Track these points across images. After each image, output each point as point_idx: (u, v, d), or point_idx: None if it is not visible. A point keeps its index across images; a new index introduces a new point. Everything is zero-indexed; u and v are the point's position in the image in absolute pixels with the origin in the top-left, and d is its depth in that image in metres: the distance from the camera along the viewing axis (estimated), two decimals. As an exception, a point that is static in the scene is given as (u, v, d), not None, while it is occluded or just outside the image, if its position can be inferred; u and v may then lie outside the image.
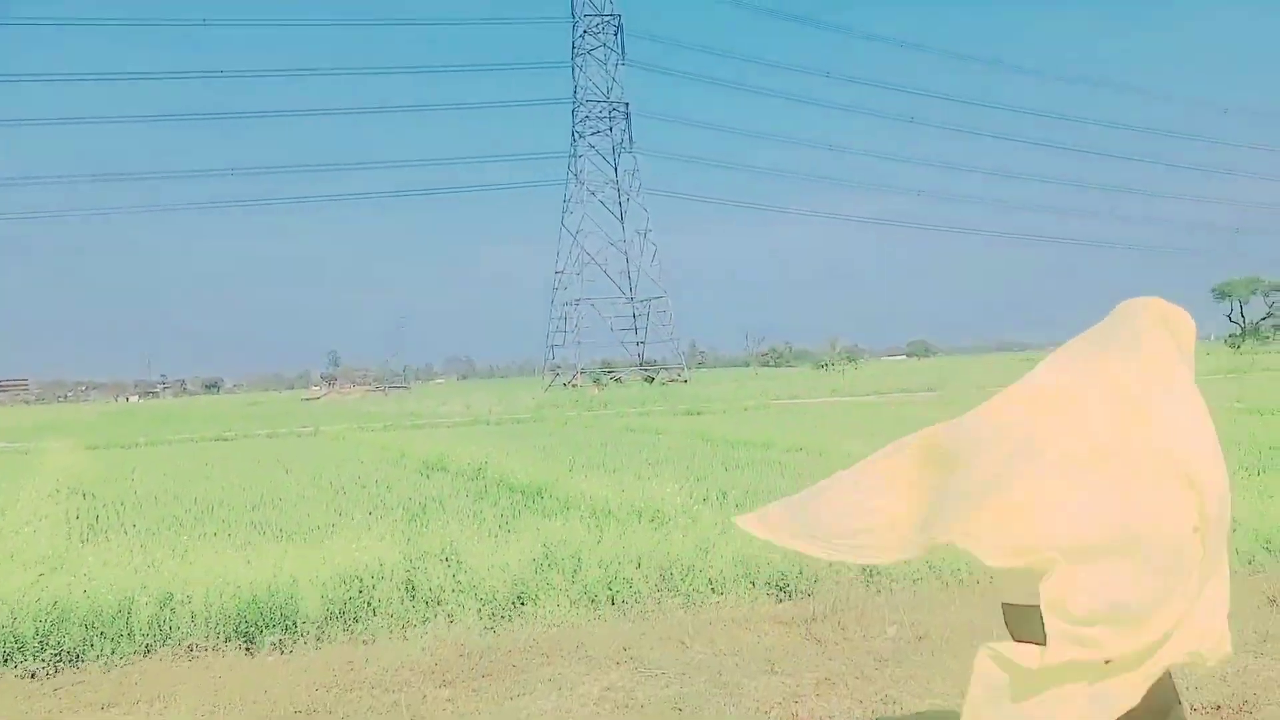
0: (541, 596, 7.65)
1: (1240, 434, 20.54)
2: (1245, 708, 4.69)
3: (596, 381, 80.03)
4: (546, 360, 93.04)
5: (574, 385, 78.83)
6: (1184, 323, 2.86)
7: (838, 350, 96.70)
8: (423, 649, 6.66)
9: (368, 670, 6.24)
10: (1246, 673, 5.15)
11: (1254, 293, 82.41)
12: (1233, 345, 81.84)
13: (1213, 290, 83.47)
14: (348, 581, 7.82)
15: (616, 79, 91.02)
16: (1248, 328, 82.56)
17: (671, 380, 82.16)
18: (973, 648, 5.81)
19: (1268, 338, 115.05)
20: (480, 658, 6.33)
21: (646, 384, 78.13)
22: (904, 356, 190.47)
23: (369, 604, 7.66)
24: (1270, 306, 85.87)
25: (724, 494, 12.28)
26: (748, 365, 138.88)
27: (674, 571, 7.92)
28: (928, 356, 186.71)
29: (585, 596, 7.70)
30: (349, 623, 7.46)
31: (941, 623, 6.39)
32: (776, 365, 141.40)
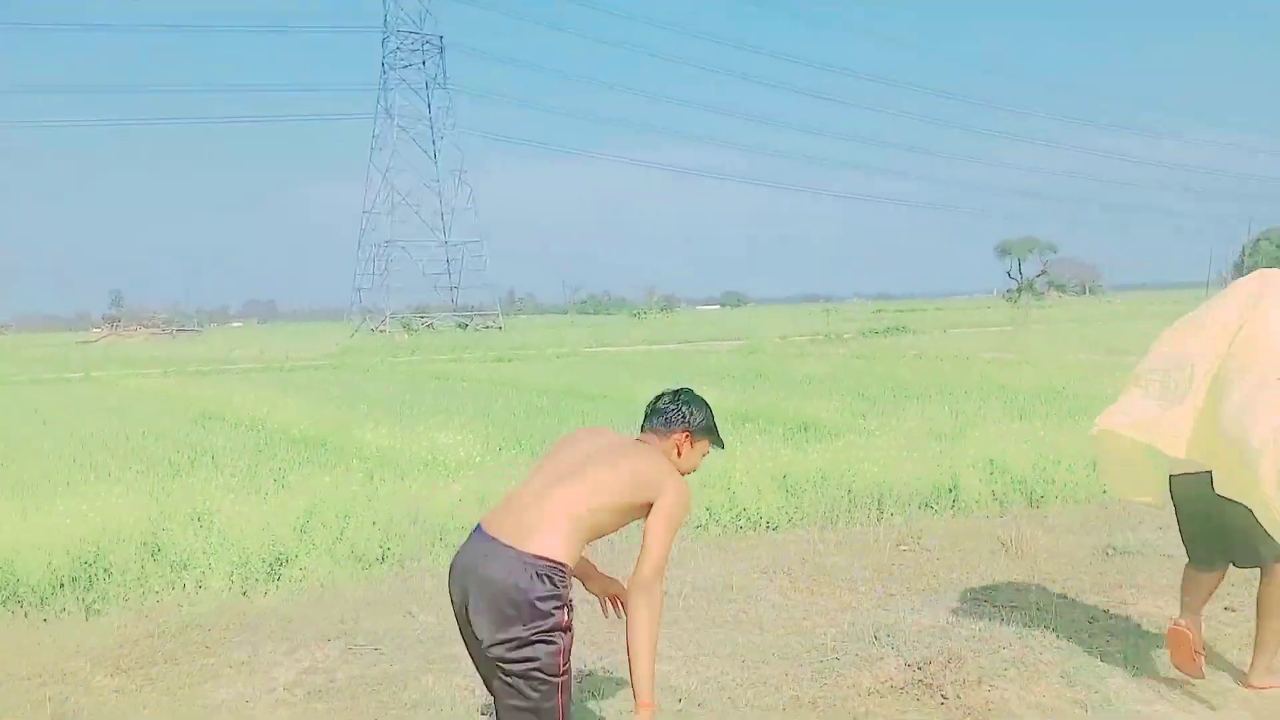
0: (303, 557, 7.07)
1: (1010, 381, 22.22)
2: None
3: (406, 327, 77.66)
4: (354, 304, 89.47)
5: (381, 331, 76.19)
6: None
7: (655, 299, 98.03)
8: (105, 629, 5.91)
9: (41, 656, 5.40)
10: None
11: (1031, 251, 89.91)
12: (1010, 300, 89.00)
13: (995, 248, 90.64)
14: (82, 545, 6.97)
15: (430, 10, 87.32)
16: (1024, 284, 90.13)
17: (486, 327, 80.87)
18: (710, 603, 5.60)
19: (1042, 293, 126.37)
20: (172, 637, 5.66)
21: (460, 330, 76.55)
22: (718, 307, 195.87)
23: (106, 570, 6.86)
24: (1045, 265, 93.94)
25: (519, 442, 11.95)
26: (566, 313, 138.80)
27: (450, 527, 7.52)
28: (740, 306, 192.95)
29: (352, 556, 7.19)
30: (81, 592, 6.64)
31: (681, 579, 6.28)
32: (595, 314, 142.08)
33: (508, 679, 2.62)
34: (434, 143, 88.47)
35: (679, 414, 3.08)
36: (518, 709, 2.65)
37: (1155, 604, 5.30)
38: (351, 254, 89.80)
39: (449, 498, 8.10)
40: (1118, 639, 4.90)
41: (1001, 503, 10.41)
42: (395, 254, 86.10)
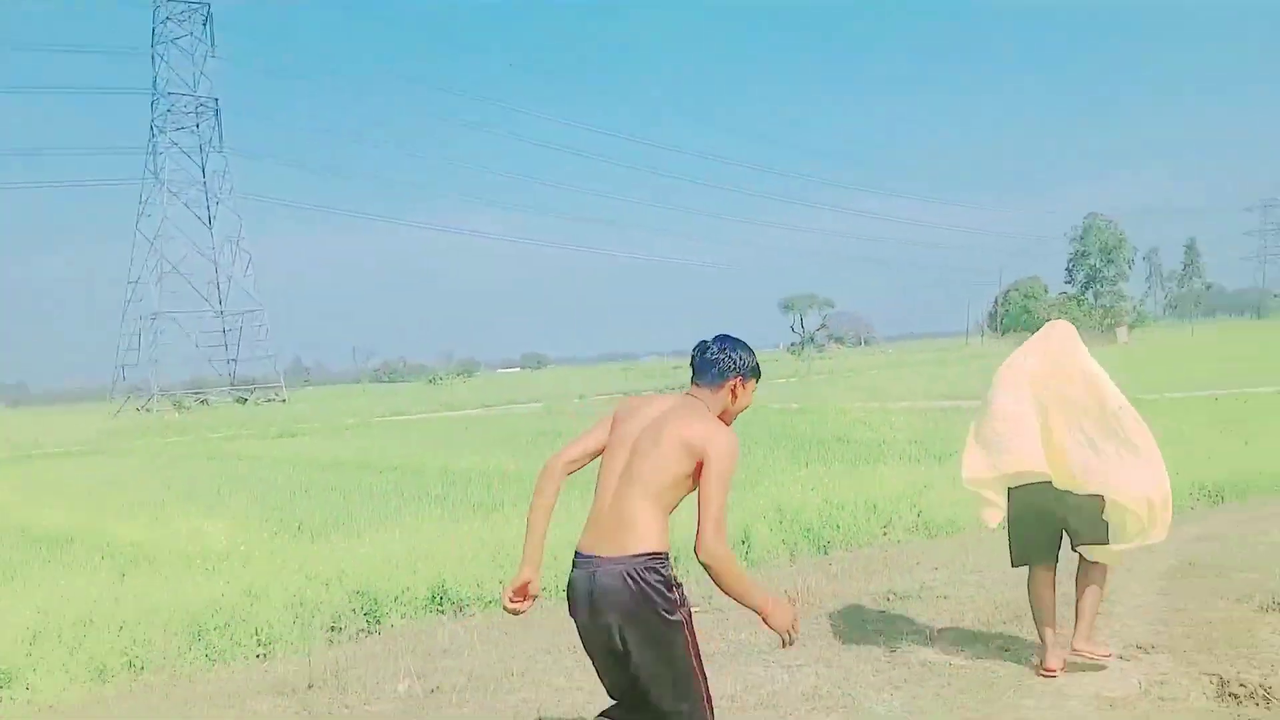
0: (29, 674, 6.13)
1: (796, 430, 23.17)
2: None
3: (177, 405, 72.11)
4: (117, 383, 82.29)
5: (148, 410, 70.35)
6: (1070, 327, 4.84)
7: (453, 364, 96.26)
8: None
9: None
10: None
11: (811, 307, 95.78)
12: (793, 353, 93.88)
13: (779, 304, 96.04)
14: None
15: (205, 72, 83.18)
16: (805, 337, 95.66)
17: (269, 400, 76.36)
18: (489, 694, 5.15)
19: (823, 346, 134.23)
20: None
21: (239, 405, 71.89)
22: (519, 369, 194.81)
23: None
24: (824, 318, 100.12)
25: (297, 525, 11.12)
26: (359, 382, 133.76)
27: (210, 627, 6.77)
28: (540, 368, 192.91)
29: (91, 668, 6.31)
30: None
31: (456, 669, 5.90)
32: (390, 381, 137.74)
33: (655, 671, 2.84)
34: (208, 208, 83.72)
35: (730, 362, 3.18)
36: (668, 698, 2.88)
37: (935, 653, 5.30)
38: (114, 328, 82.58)
39: (211, 592, 7.32)
40: (899, 690, 4.93)
41: (792, 551, 10.65)
42: (165, 326, 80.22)
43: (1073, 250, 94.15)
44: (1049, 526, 4.66)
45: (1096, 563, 4.62)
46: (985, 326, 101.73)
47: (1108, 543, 4.49)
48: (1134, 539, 4.40)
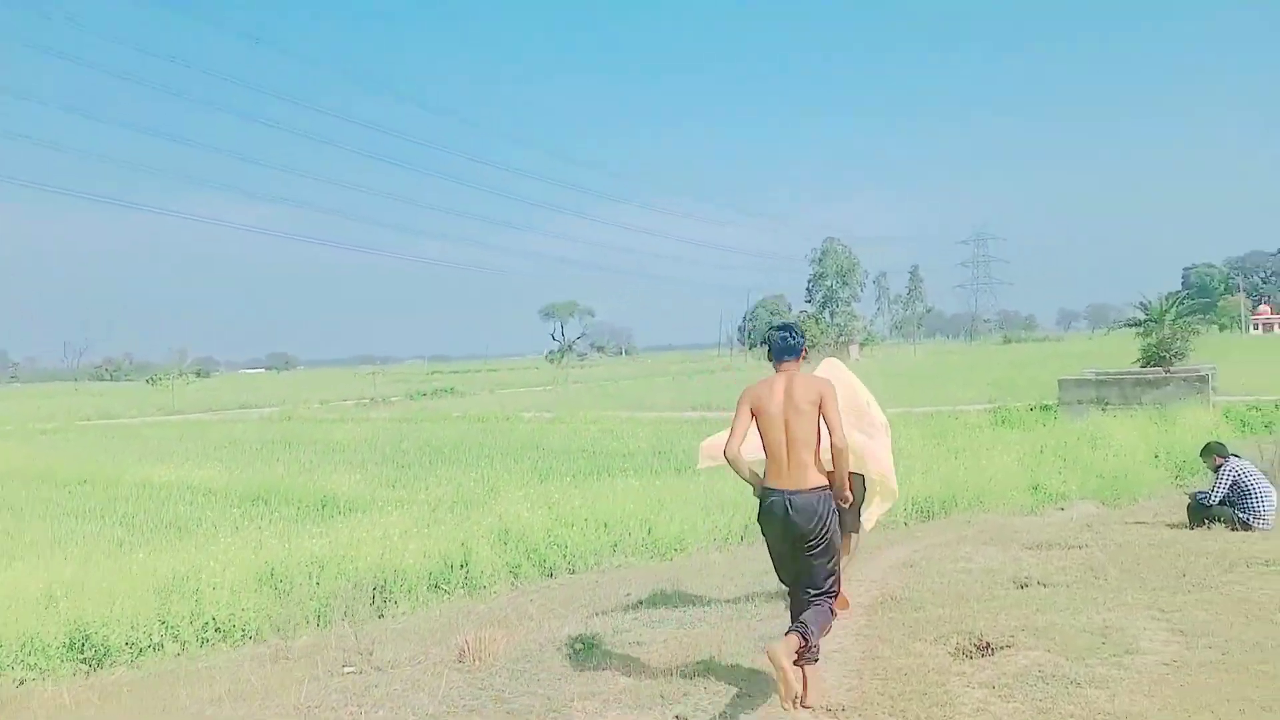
0: None
1: (543, 440, 22.67)
2: None
3: None
4: None
5: None
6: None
7: (189, 363, 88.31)
8: None
9: None
10: None
11: (572, 315, 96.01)
12: (552, 360, 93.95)
13: (540, 311, 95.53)
14: None
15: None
16: (566, 345, 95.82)
17: (-43, 399, 66.64)
18: None
19: (584, 354, 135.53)
20: None
21: (-83, 404, 62.12)
22: (263, 370, 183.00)
23: None
24: (585, 327, 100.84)
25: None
26: (75, 380, 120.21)
27: None
28: (287, 370, 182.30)
29: None
30: None
31: None
32: (113, 379, 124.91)
33: (818, 545, 4.44)
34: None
35: (800, 341, 4.71)
36: (825, 559, 4.50)
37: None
38: None
39: None
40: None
41: (515, 574, 10.02)
42: None
43: (813, 272, 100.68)
44: None
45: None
46: (735, 339, 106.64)
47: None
48: (874, 508, 5.83)
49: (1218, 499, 7.84)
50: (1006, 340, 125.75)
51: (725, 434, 4.69)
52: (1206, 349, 32.19)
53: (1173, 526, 8.10)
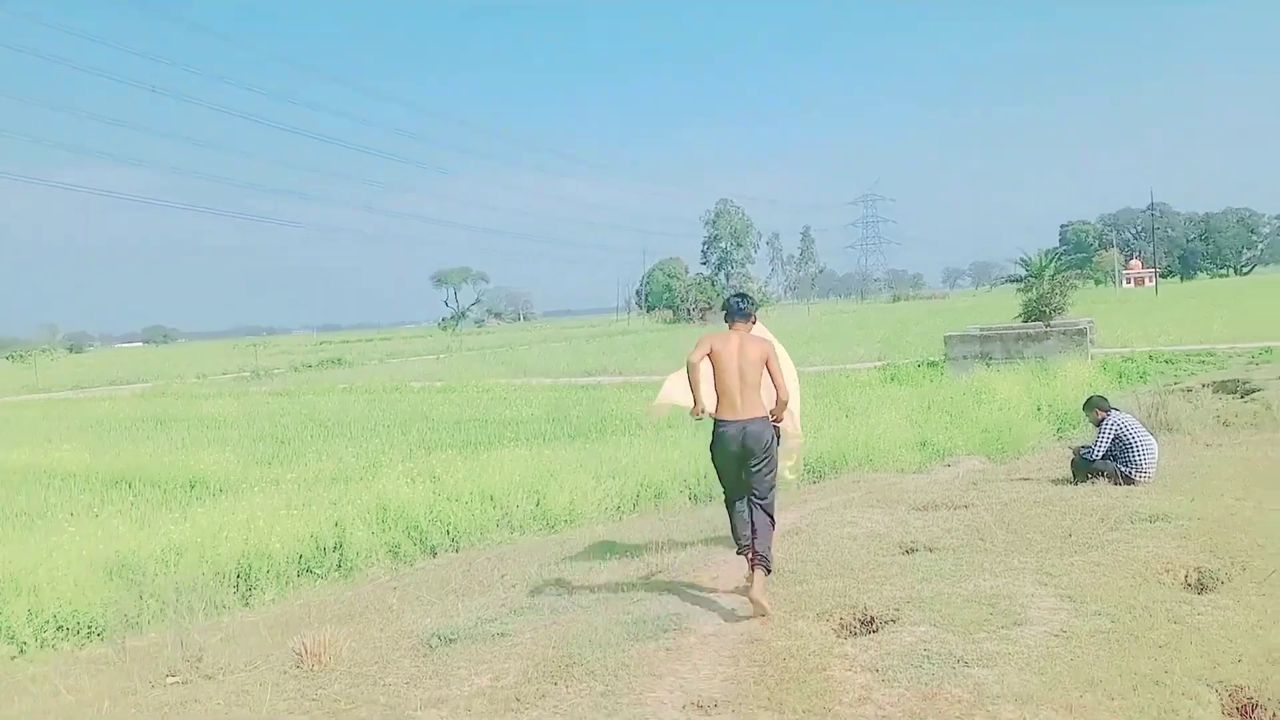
0: None
1: (432, 410, 21.91)
2: None
3: None
4: None
5: None
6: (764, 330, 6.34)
7: (59, 338, 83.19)
8: None
9: None
10: None
11: (465, 281, 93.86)
12: (445, 328, 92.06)
13: (431, 278, 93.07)
14: None
15: None
16: (459, 312, 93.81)
17: None
18: None
19: (481, 321, 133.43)
20: None
21: None
22: (141, 344, 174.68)
23: None
24: (479, 293, 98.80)
25: None
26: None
27: None
28: (166, 343, 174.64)
29: None
30: None
31: None
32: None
33: (764, 462, 5.53)
34: None
35: (751, 307, 5.99)
36: (768, 474, 5.58)
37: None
38: None
39: None
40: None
41: (395, 554, 9.45)
42: None
43: (707, 234, 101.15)
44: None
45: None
46: (633, 302, 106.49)
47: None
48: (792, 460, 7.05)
49: (1100, 453, 7.84)
50: (896, 299, 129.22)
51: (679, 375, 5.95)
52: (1083, 303, 33.48)
53: (1057, 482, 8.08)
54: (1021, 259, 28.47)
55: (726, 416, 5.42)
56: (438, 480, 11.11)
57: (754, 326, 6.10)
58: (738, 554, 5.56)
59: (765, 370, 5.47)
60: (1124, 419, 7.94)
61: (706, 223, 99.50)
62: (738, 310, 5.78)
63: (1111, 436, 7.78)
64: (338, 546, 9.02)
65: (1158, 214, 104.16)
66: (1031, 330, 23.09)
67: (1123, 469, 7.68)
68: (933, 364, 24.16)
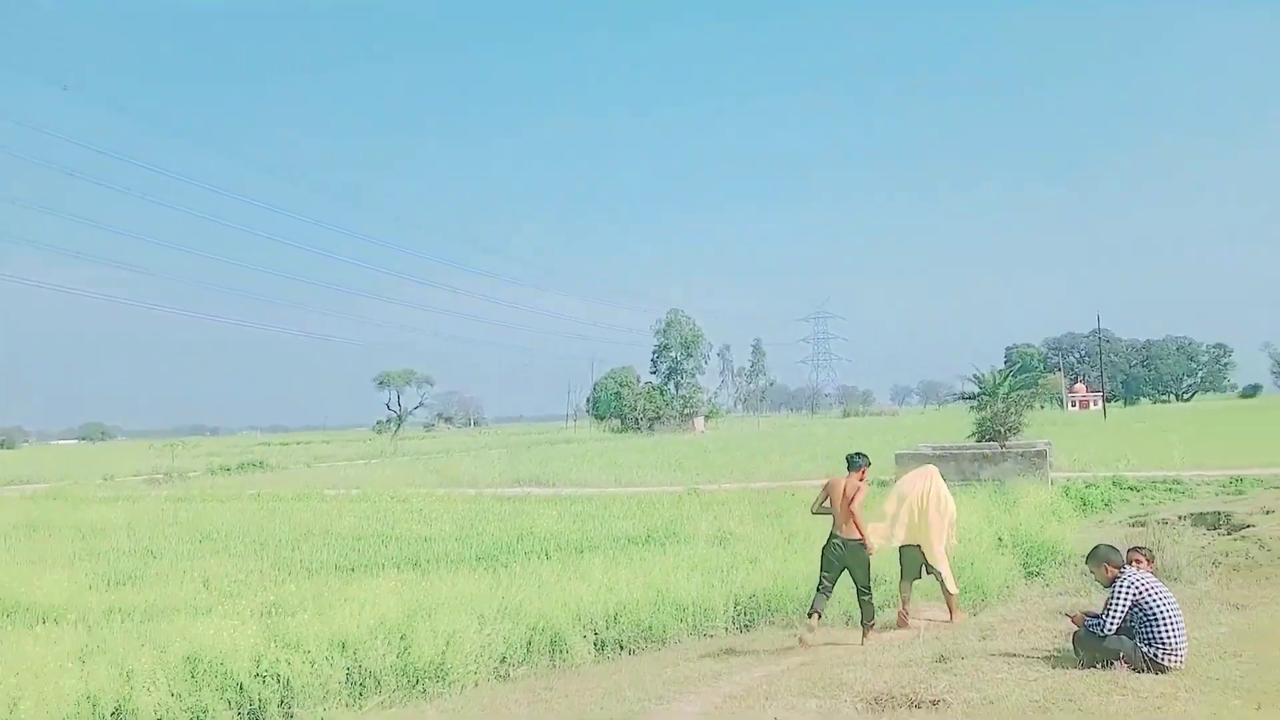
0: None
1: (331, 524, 19.62)
2: None
3: None
4: None
5: None
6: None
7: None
8: None
9: None
10: None
11: (408, 383, 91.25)
12: (379, 431, 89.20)
13: (374, 380, 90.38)
14: None
15: None
16: (401, 415, 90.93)
17: None
18: None
19: (431, 425, 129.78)
20: None
21: None
22: (76, 441, 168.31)
23: None
24: (422, 396, 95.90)
25: None
26: None
27: None
28: (105, 440, 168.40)
29: None
30: None
31: None
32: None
33: (857, 564, 8.86)
34: None
35: (860, 461, 9.26)
36: (860, 574, 8.85)
37: None
38: None
39: None
40: None
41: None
42: None
43: (657, 343, 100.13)
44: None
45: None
46: (585, 410, 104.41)
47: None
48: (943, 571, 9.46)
49: (1114, 625, 5.98)
50: (846, 414, 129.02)
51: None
52: (1034, 425, 32.35)
53: (1056, 663, 6.23)
54: (975, 375, 27.37)
55: (835, 531, 8.93)
56: (290, 615, 9.07)
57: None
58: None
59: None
60: (1143, 579, 6.13)
61: (657, 332, 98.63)
62: (852, 462, 9.25)
63: (1129, 603, 5.95)
64: (116, 713, 6.93)
65: (1104, 339, 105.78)
66: (987, 450, 21.71)
67: (1145, 648, 5.86)
68: (883, 484, 22.57)
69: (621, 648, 9.41)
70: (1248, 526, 12.04)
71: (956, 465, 20.96)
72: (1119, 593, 5.97)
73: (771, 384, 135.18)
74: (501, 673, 8.70)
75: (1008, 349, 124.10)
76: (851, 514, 8.56)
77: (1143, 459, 25.62)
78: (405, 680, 8.18)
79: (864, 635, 8.56)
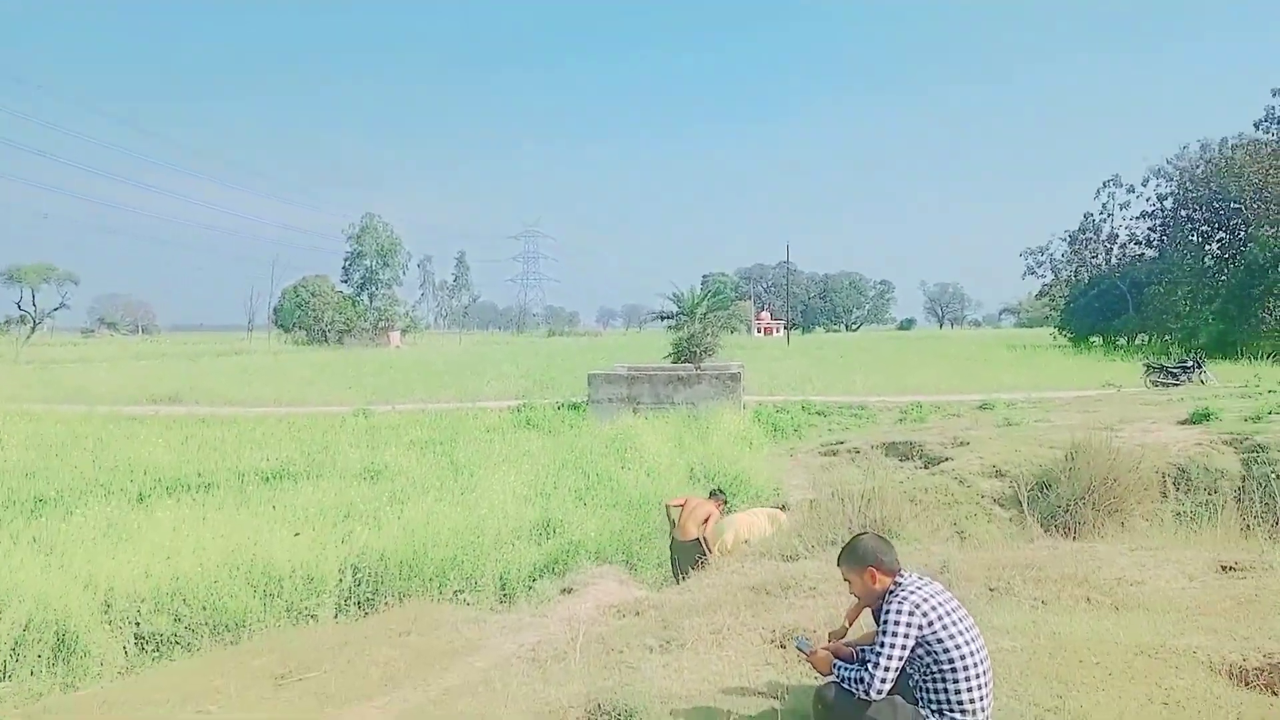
0: None
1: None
2: None
3: None
4: None
5: None
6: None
7: None
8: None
9: None
10: None
11: (47, 281, 77.76)
12: (1, 332, 76.16)
13: (1, 274, 75.84)
14: None
15: None
16: (36, 316, 77.53)
17: None
18: None
19: (92, 330, 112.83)
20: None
21: None
22: None
23: None
24: (63, 296, 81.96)
25: None
26: None
27: None
28: None
29: None
30: None
31: None
32: None
33: (689, 553, 8.98)
34: None
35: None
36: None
37: None
38: None
39: None
40: None
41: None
42: None
43: (350, 250, 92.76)
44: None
45: None
46: (270, 320, 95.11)
47: None
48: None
49: (885, 683, 3.50)
50: (551, 334, 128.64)
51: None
52: (725, 349, 32.29)
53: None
54: (674, 294, 26.32)
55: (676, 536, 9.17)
56: None
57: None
58: None
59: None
60: (929, 597, 3.61)
61: (350, 238, 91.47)
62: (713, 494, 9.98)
63: (911, 642, 3.51)
64: None
65: (791, 271, 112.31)
66: (682, 373, 20.52)
67: (934, 711, 3.52)
68: (575, 406, 20.82)
69: (176, 643, 6.57)
70: (945, 460, 11.24)
71: (651, 388, 19.58)
72: (896, 624, 3.53)
73: (476, 300, 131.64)
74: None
75: (704, 276, 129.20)
76: (701, 529, 8.88)
77: (827, 384, 25.90)
78: None
79: None
